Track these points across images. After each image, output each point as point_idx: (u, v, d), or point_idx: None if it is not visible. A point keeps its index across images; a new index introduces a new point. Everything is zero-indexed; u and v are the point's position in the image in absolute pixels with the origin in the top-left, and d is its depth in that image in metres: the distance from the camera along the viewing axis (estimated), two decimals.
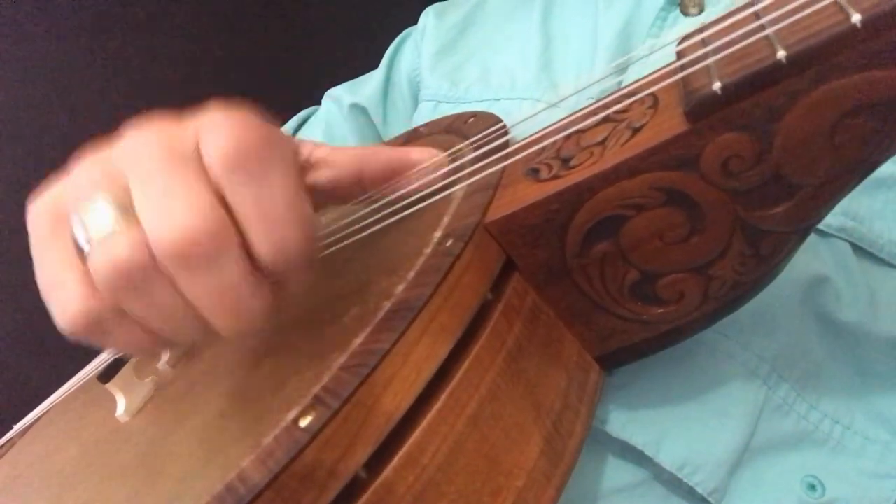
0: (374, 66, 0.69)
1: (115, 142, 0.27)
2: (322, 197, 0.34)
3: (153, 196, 0.25)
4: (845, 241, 0.40)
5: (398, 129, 0.62)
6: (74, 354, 0.53)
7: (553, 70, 0.51)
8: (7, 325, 0.78)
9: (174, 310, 0.26)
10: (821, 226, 0.39)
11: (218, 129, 0.26)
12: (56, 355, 0.76)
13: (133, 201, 0.25)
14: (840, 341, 0.39)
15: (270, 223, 0.26)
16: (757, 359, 0.38)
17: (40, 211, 0.28)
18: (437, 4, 0.67)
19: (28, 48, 0.77)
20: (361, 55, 0.71)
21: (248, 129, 0.26)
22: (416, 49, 0.65)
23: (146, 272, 0.25)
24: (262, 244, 0.26)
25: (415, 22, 0.67)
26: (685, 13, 0.46)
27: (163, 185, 0.25)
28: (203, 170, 0.26)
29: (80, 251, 0.26)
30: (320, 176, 0.33)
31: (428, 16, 0.66)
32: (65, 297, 0.26)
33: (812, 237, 0.29)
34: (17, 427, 0.54)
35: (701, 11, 0.46)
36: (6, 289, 0.77)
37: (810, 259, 0.39)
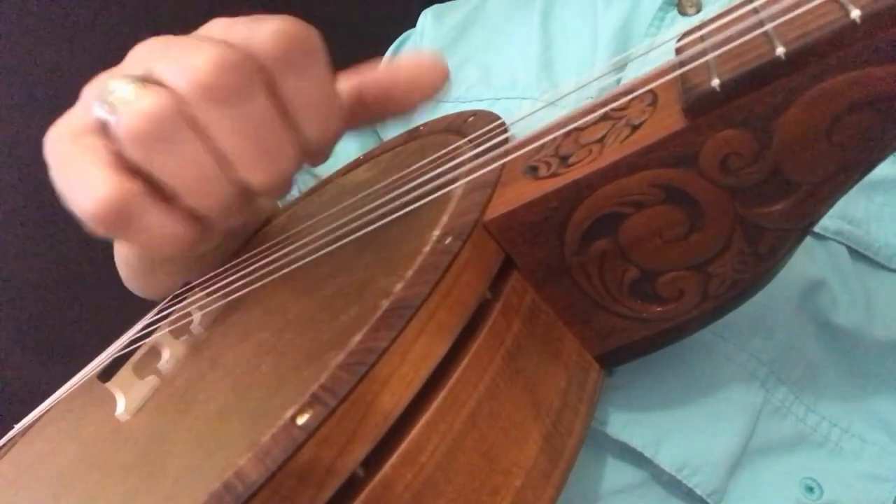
0: None
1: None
2: None
3: (173, 55, 0.26)
4: (842, 244, 0.40)
5: (397, 129, 0.62)
6: (75, 354, 0.53)
7: (554, 70, 0.52)
8: (8, 325, 0.78)
9: (203, 161, 0.26)
10: (817, 229, 0.39)
11: (258, 23, 0.27)
12: (56, 355, 0.76)
13: (151, 72, 0.26)
14: (837, 344, 0.39)
15: (316, 108, 0.28)
16: (755, 361, 0.38)
17: (57, 132, 0.29)
18: (436, 6, 0.67)
19: (28, 48, 0.77)
20: (360, 57, 0.71)
21: (291, 23, 0.27)
22: (416, 50, 0.65)
23: (175, 121, 0.25)
24: (309, 127, 0.28)
25: (413, 24, 0.67)
26: (683, 13, 0.46)
27: (181, 46, 0.26)
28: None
29: (106, 140, 0.26)
30: None
31: (426, 17, 0.66)
32: (91, 184, 0.26)
33: (809, 240, 0.29)
34: (18, 427, 0.54)
35: (698, 11, 0.46)
36: (7, 289, 0.77)
37: (807, 262, 0.39)
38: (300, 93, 0.27)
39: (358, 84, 0.34)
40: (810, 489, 0.37)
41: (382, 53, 0.68)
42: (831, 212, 0.27)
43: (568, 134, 0.31)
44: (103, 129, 0.26)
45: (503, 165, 0.32)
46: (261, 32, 0.27)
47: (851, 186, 0.26)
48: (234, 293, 0.38)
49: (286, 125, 0.27)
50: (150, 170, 0.26)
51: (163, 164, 0.26)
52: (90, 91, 0.28)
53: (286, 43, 0.26)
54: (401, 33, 0.69)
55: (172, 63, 0.26)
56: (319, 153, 0.29)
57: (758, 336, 0.38)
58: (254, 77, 0.26)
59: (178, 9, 0.81)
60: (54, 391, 0.53)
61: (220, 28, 0.28)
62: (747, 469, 0.37)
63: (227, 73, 0.25)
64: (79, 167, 0.27)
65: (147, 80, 0.26)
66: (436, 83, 0.32)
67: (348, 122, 0.31)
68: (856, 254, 0.41)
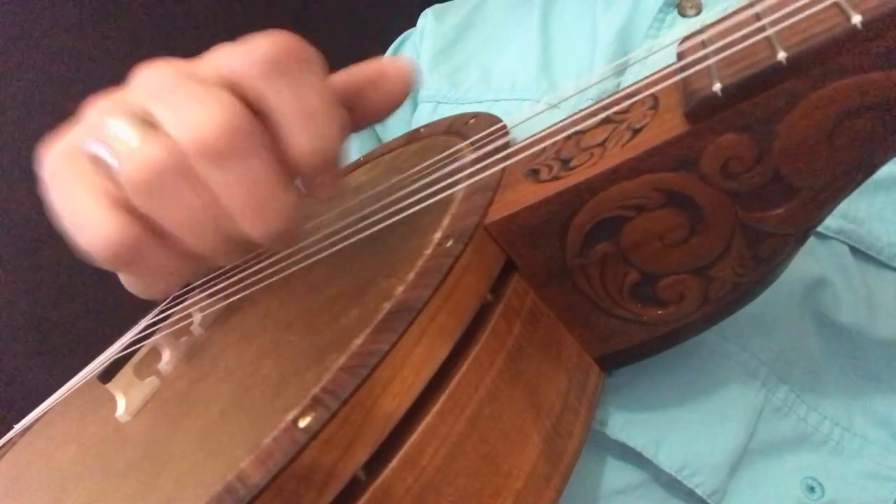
0: None
1: (124, 84, 0.28)
2: None
3: (176, 104, 0.26)
4: (844, 243, 0.40)
5: (397, 130, 0.63)
6: (75, 355, 0.53)
7: (553, 71, 0.51)
8: (7, 325, 0.78)
9: (201, 212, 0.26)
10: (819, 228, 0.39)
11: (249, 42, 0.27)
12: (56, 355, 0.76)
13: (152, 115, 0.26)
14: (839, 343, 0.39)
15: (309, 118, 0.27)
16: (756, 361, 0.38)
17: (55, 152, 0.28)
18: (436, 6, 0.67)
19: (28, 47, 0.77)
20: (360, 57, 0.71)
21: (281, 36, 0.27)
22: (415, 51, 0.65)
23: (178, 173, 0.25)
24: (301, 140, 0.27)
25: (413, 24, 0.67)
26: (683, 14, 0.46)
27: (185, 94, 0.26)
28: (223, 82, 0.26)
29: (105, 173, 0.26)
30: None
31: (426, 17, 0.66)
32: (96, 224, 0.26)
33: (811, 239, 0.29)
34: (18, 427, 0.54)
35: (699, 13, 0.46)
36: (7, 289, 0.77)
37: (809, 261, 0.39)
38: (293, 101, 0.27)
39: (350, 79, 0.33)
40: (811, 489, 0.37)
41: (382, 53, 0.68)
42: (833, 211, 0.27)
43: (569, 137, 0.31)
44: (101, 165, 0.26)
45: (504, 168, 0.33)
46: (247, 51, 0.26)
47: (852, 190, 0.26)
48: (235, 295, 0.38)
49: (285, 175, 0.27)
50: (150, 214, 0.26)
51: (162, 211, 0.26)
52: (90, 115, 0.28)
53: (273, 56, 0.26)
54: (401, 33, 0.69)
55: (177, 113, 0.26)
56: (320, 166, 0.28)
57: (759, 335, 0.38)
58: (255, 135, 0.26)
59: (178, 10, 0.81)
60: (54, 392, 0.54)
61: (221, 62, 0.27)
62: (748, 469, 0.37)
63: (229, 133, 0.25)
64: (78, 200, 0.27)
65: (148, 123, 0.26)
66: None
67: (348, 127, 0.30)
68: (858, 253, 0.41)
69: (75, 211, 0.27)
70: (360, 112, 0.31)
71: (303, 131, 0.27)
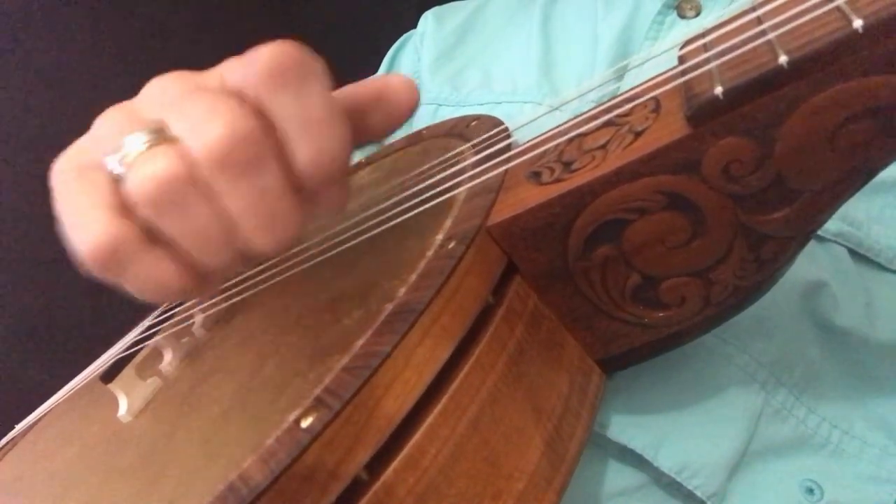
0: (374, 70, 0.69)
1: (135, 96, 0.28)
2: None
3: (189, 113, 0.26)
4: (843, 246, 0.40)
5: (398, 132, 0.63)
6: (77, 355, 0.54)
7: (554, 74, 0.52)
8: (9, 325, 0.78)
9: (210, 224, 0.26)
10: (819, 231, 0.39)
11: (253, 54, 0.27)
12: (58, 355, 0.76)
13: (164, 126, 0.26)
14: (838, 346, 0.39)
15: (312, 128, 0.26)
16: (755, 363, 0.38)
17: (65, 162, 0.28)
18: (437, 9, 0.67)
19: (28, 48, 0.77)
20: (361, 59, 0.71)
21: (283, 46, 0.26)
22: (416, 53, 0.65)
23: (186, 184, 0.25)
24: (304, 149, 0.26)
25: (414, 26, 0.67)
26: (682, 16, 0.46)
27: (198, 104, 0.26)
28: (233, 92, 0.26)
29: (112, 183, 0.26)
30: None
31: (427, 20, 0.66)
32: (89, 225, 0.26)
33: (810, 242, 0.29)
34: (20, 427, 0.54)
35: (698, 14, 0.46)
36: (8, 289, 0.77)
37: (808, 264, 0.39)
38: (295, 111, 0.26)
39: (353, 96, 0.33)
40: (810, 491, 0.37)
41: (383, 56, 0.68)
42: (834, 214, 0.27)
43: (571, 140, 0.31)
44: (110, 176, 0.26)
45: (506, 170, 0.33)
46: (250, 64, 0.26)
47: (853, 194, 0.26)
48: (237, 296, 0.38)
49: (293, 188, 0.26)
50: (157, 225, 0.26)
51: (170, 222, 0.26)
52: (101, 126, 0.28)
53: (274, 67, 0.26)
54: (400, 35, 0.69)
55: (188, 124, 0.26)
56: (324, 176, 0.27)
57: (758, 338, 0.38)
58: (266, 146, 0.26)
59: (176, 12, 0.81)
60: (56, 392, 0.54)
61: (227, 75, 0.28)
62: (747, 471, 0.37)
63: (242, 145, 0.25)
64: (78, 205, 0.26)
65: (160, 134, 0.26)
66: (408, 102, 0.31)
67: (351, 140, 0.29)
68: (857, 255, 0.41)
69: (73, 217, 0.27)
70: (362, 130, 0.31)
71: (305, 141, 0.26)
